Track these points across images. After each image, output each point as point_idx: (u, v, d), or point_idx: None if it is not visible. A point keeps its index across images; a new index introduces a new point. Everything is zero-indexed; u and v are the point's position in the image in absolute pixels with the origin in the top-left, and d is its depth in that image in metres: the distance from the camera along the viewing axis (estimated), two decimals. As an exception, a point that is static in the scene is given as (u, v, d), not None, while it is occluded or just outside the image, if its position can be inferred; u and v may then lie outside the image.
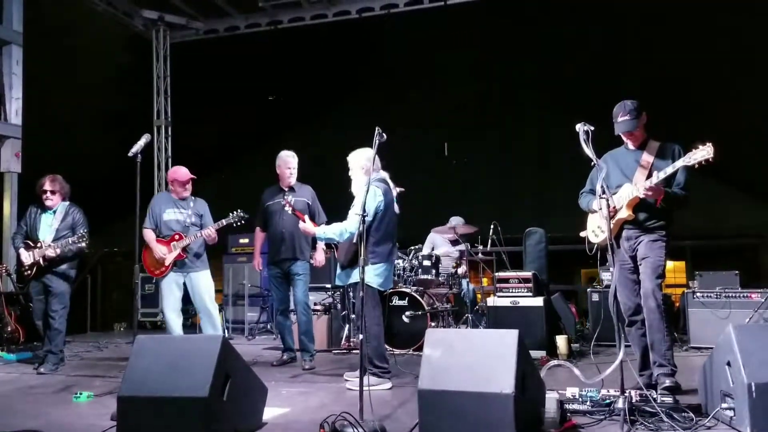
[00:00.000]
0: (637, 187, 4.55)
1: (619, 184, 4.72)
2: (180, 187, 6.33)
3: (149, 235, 6.24)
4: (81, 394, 5.06)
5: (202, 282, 6.30)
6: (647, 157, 4.68)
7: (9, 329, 7.56)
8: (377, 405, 4.26)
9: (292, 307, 6.74)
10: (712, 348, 4.11)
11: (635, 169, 4.71)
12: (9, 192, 9.26)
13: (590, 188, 4.96)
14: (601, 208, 4.34)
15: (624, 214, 4.65)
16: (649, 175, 4.57)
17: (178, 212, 6.29)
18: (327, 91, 12.16)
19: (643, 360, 4.72)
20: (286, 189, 6.49)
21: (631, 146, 4.79)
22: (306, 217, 5.59)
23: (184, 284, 6.27)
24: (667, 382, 4.48)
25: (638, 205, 4.63)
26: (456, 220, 8.15)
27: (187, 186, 6.35)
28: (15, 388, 5.67)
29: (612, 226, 4.67)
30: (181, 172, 6.37)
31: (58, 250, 6.16)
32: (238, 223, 6.04)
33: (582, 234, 5.02)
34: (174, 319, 6.24)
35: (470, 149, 11.52)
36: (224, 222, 6.09)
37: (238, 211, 6.02)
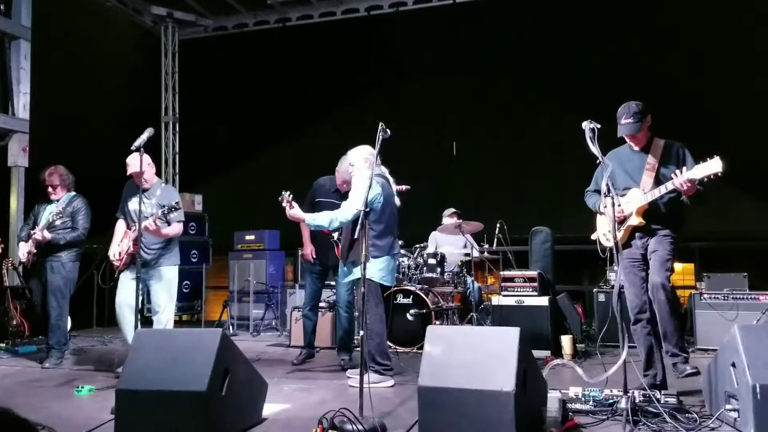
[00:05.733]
0: (648, 195, 4.50)
1: (627, 187, 4.67)
2: (135, 178, 5.70)
3: (118, 224, 5.94)
4: (82, 387, 5.08)
5: (158, 280, 5.75)
6: (652, 160, 4.62)
7: (14, 323, 7.56)
8: (378, 402, 4.24)
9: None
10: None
11: (641, 171, 4.65)
12: (16, 186, 9.26)
13: (595, 188, 4.92)
14: (606, 207, 4.31)
15: (635, 221, 4.59)
16: (656, 178, 4.54)
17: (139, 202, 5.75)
18: (335, 89, 12.16)
19: (648, 359, 4.66)
20: (342, 192, 6.09)
21: (635, 147, 4.73)
22: (295, 204, 5.31)
23: (147, 283, 5.76)
24: (688, 369, 4.46)
25: (647, 211, 4.57)
26: (449, 214, 8.25)
27: (141, 179, 5.50)
28: (17, 382, 5.67)
29: (623, 232, 4.64)
30: (129, 163, 5.71)
31: (48, 235, 6.12)
32: (168, 214, 5.40)
33: (593, 237, 4.96)
34: (125, 314, 5.64)
35: (478, 148, 11.48)
36: (159, 213, 5.41)
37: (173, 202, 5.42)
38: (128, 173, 5.77)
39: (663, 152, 4.62)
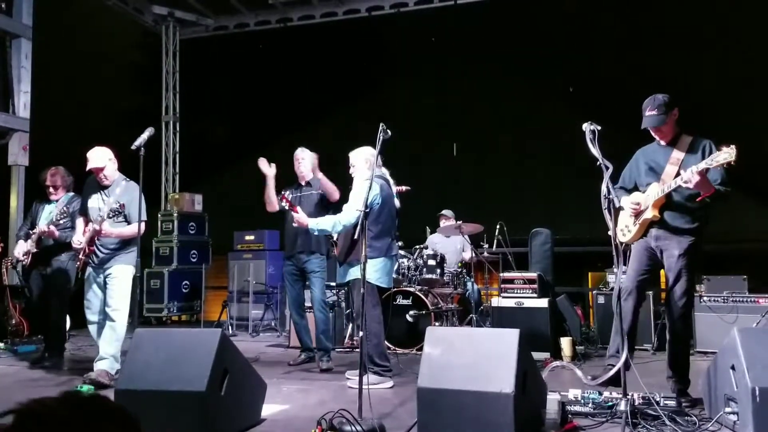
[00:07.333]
0: (664, 187, 4.39)
1: (649, 182, 4.58)
2: (95, 173, 5.53)
3: (78, 221, 5.71)
4: (82, 387, 5.07)
5: (111, 278, 5.40)
6: (677, 154, 4.49)
7: (13, 322, 7.56)
8: (378, 403, 4.23)
9: (308, 303, 6.68)
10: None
11: (665, 166, 4.52)
12: (16, 185, 9.28)
13: (620, 185, 4.79)
14: (622, 203, 4.28)
15: (650, 214, 4.47)
16: (679, 173, 4.36)
17: (99, 200, 5.49)
18: (335, 89, 12.13)
19: (629, 338, 4.43)
20: (303, 184, 6.40)
21: (662, 142, 4.61)
22: (299, 209, 5.44)
23: (103, 287, 5.50)
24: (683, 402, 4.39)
25: (664, 205, 4.47)
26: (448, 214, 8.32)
27: (100, 175, 5.47)
28: (16, 381, 5.67)
29: (638, 226, 4.59)
30: (90, 157, 5.47)
31: (55, 230, 6.08)
32: (115, 216, 5.25)
33: (610, 232, 4.90)
34: (93, 327, 5.61)
35: (479, 149, 11.45)
36: (105, 215, 5.20)
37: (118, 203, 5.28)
38: (87, 168, 5.47)
39: (689, 148, 4.48)
